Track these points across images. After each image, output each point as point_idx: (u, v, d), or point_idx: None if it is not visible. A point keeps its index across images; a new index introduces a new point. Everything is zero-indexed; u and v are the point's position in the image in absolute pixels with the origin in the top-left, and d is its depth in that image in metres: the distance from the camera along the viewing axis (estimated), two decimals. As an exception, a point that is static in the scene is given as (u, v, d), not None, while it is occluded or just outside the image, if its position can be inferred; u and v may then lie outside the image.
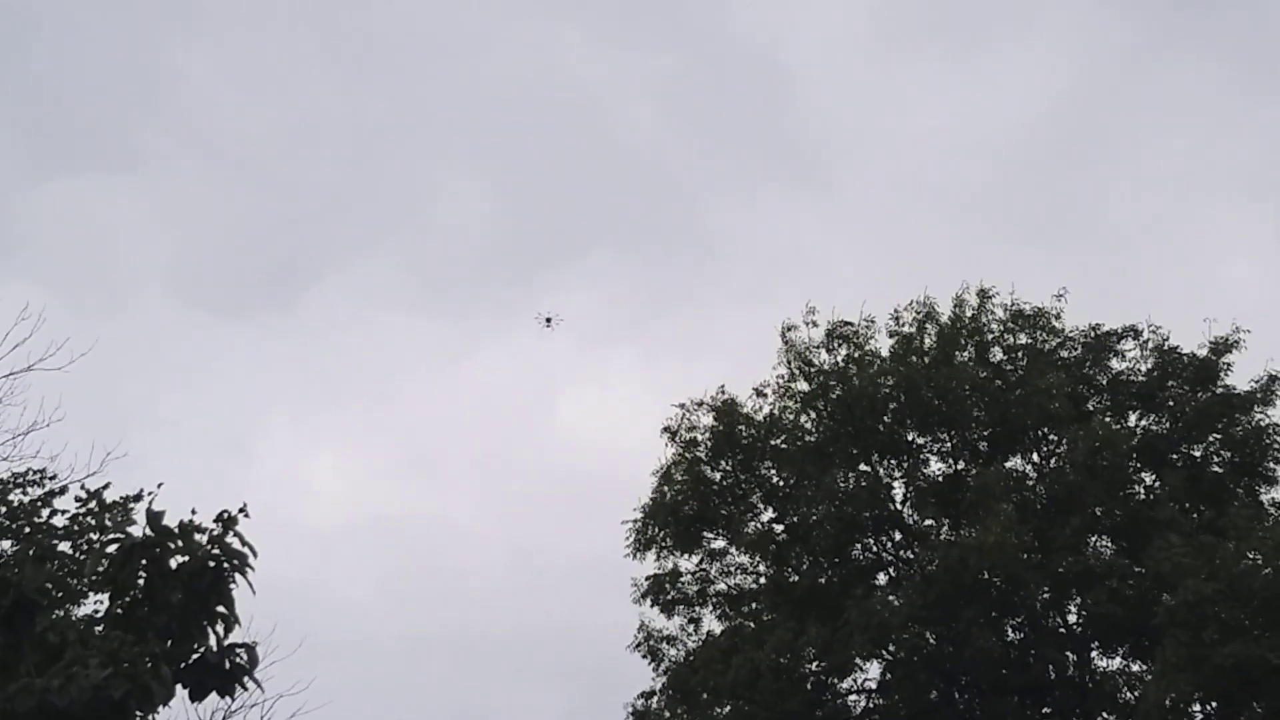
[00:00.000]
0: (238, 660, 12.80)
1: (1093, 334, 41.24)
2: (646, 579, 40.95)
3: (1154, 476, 39.02)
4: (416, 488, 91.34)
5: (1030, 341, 41.19)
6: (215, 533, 12.85)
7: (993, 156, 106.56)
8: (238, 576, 12.85)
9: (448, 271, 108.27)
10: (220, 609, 12.76)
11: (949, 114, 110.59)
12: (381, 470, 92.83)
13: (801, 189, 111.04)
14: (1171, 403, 39.98)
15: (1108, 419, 39.41)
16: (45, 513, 25.33)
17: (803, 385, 40.90)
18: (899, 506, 40.05)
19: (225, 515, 12.93)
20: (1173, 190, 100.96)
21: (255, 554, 12.93)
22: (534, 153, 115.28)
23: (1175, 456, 39.41)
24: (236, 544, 12.88)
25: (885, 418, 39.80)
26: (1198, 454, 39.54)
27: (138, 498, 24.23)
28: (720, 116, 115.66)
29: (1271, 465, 39.00)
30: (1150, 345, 40.70)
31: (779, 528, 40.25)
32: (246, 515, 13.01)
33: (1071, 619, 38.09)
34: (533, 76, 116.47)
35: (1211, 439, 39.41)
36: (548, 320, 52.25)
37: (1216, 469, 39.29)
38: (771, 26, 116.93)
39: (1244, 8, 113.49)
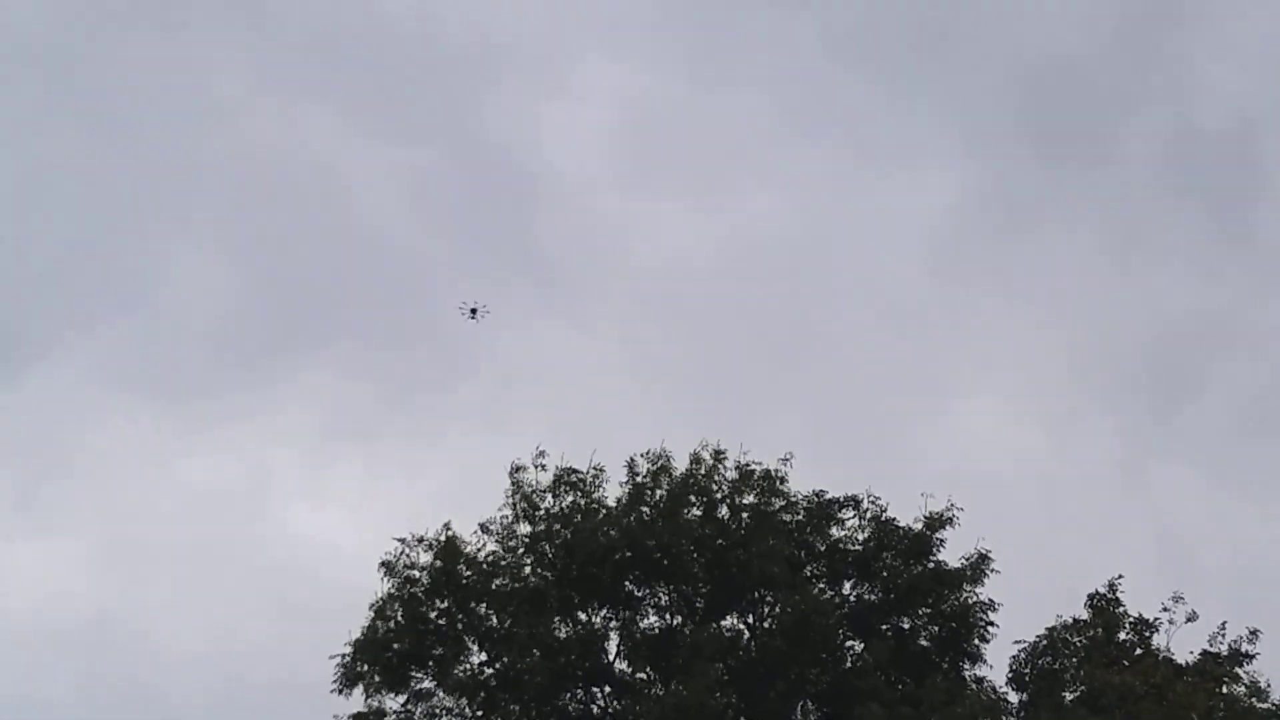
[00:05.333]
0: None
1: (816, 500, 41.77)
2: (350, 717, 39.73)
3: (862, 645, 39.51)
4: (119, 582, 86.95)
5: (757, 503, 41.56)
6: None
7: (738, 288, 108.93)
8: None
9: (175, 354, 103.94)
10: None
11: (696, 241, 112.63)
12: (84, 562, 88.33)
13: (546, 301, 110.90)
14: (885, 574, 40.68)
15: (822, 586, 40.04)
16: None
17: (527, 528, 40.65)
18: (612, 659, 39.73)
19: None
20: (912, 339, 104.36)
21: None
22: (277, 236, 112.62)
23: (885, 627, 40.09)
24: None
25: (607, 568, 39.56)
26: (906, 626, 40.27)
27: None
28: (471, 218, 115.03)
29: (976, 642, 39.96)
30: (869, 515, 41.42)
31: (489, 671, 39.45)
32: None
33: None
34: (282, 156, 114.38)
35: (921, 612, 40.23)
36: (473, 311, 50.02)
37: (924, 642, 40.10)
38: (528, 133, 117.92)
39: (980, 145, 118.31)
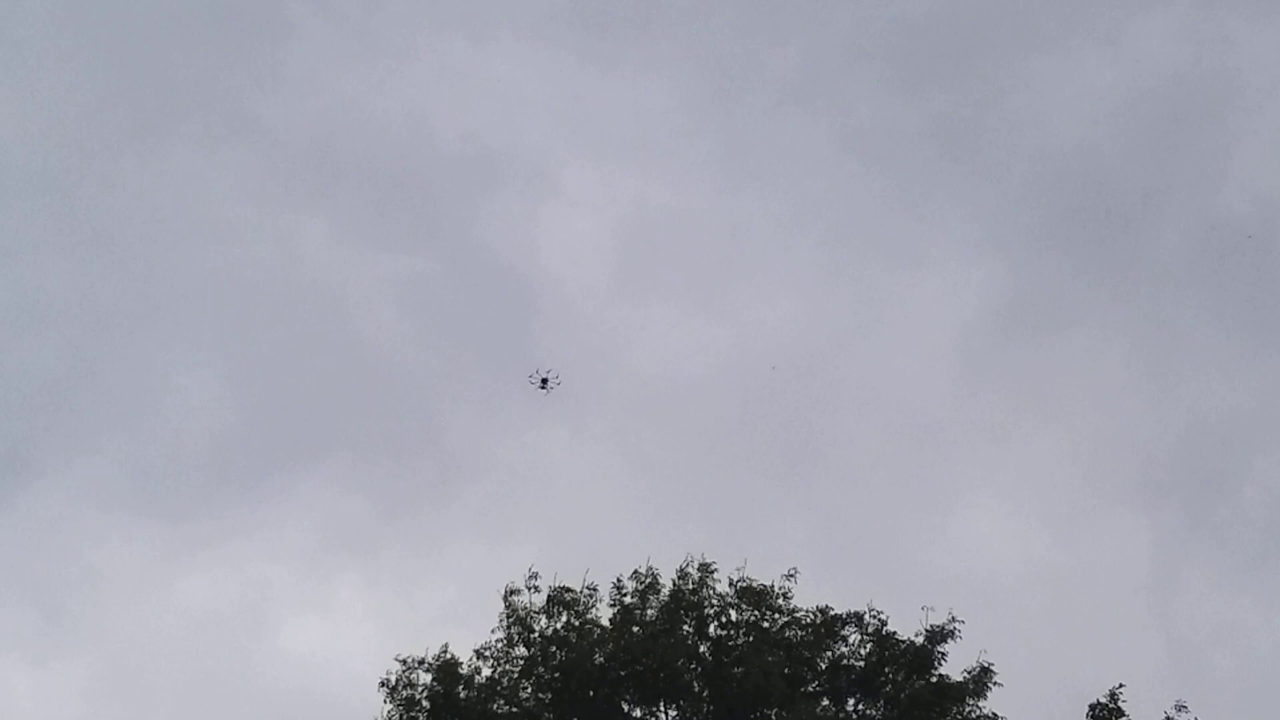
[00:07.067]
0: None
1: (819, 616, 41.54)
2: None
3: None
4: (118, 709, 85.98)
5: (755, 619, 41.30)
6: None
7: (742, 395, 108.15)
8: None
9: (173, 472, 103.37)
10: None
11: (700, 346, 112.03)
12: (83, 687, 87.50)
13: (543, 408, 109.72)
14: (889, 689, 40.28)
15: (825, 703, 39.67)
16: None
17: (522, 651, 40.41)
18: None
19: None
20: (930, 443, 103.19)
21: None
22: (273, 350, 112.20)
23: (887, 744, 39.62)
24: None
25: (603, 689, 39.27)
26: (909, 742, 39.77)
27: None
28: (468, 326, 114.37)
29: (978, 756, 39.52)
30: (870, 630, 41.12)
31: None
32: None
33: None
34: (276, 270, 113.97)
35: (926, 728, 39.80)
36: (543, 381, 49.56)
37: (927, 757, 39.56)
38: (525, 239, 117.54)
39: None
